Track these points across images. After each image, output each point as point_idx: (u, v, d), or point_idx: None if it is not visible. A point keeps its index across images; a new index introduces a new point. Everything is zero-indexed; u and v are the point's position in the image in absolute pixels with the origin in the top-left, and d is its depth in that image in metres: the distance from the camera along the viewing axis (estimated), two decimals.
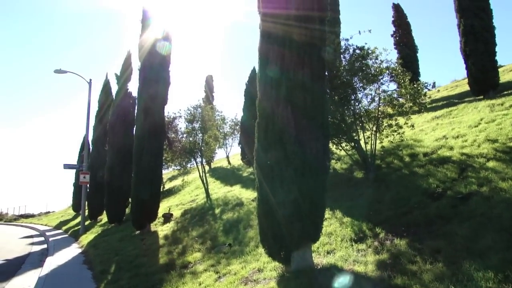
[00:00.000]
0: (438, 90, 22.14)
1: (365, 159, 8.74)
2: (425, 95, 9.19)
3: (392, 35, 22.96)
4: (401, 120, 9.07)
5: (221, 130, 21.73)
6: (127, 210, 16.98)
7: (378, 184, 7.77)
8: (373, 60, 8.54)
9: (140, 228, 12.26)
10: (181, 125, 15.58)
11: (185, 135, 15.11)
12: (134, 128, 13.63)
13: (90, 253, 11.22)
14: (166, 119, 14.23)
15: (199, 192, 16.47)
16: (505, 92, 13.09)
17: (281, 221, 5.05)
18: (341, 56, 8.79)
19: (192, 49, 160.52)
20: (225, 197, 12.75)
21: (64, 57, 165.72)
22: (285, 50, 5.25)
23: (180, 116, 15.29)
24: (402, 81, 8.69)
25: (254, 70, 19.81)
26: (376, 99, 8.80)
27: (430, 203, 5.98)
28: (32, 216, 43.33)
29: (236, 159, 23.99)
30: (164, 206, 15.43)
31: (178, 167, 17.11)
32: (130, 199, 14.98)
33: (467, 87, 15.93)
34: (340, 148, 9.35)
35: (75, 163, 26.17)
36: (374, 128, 8.79)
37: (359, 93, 8.79)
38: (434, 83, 25.29)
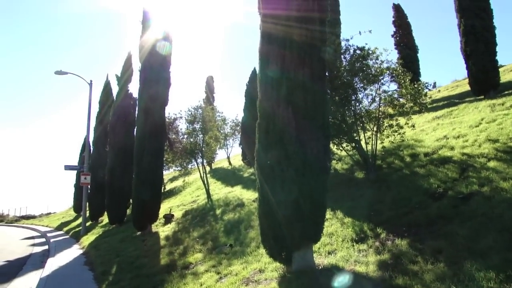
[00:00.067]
0: (439, 90, 22.13)
1: (366, 159, 8.73)
2: (425, 95, 9.19)
3: (392, 36, 22.96)
4: (401, 120, 9.07)
5: (221, 131, 21.79)
6: (128, 211, 17.03)
7: (379, 185, 7.77)
8: (374, 61, 8.55)
9: (141, 229, 12.26)
10: (182, 126, 15.62)
11: (185, 136, 15.11)
12: (135, 129, 13.65)
13: (91, 254, 11.23)
14: (167, 120, 14.24)
15: (200, 193, 16.48)
16: (506, 92, 13.08)
17: (282, 222, 5.05)
18: (342, 56, 8.80)
19: (193, 50, 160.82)
20: (226, 197, 12.75)
21: (65, 59, 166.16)
22: (286, 51, 5.25)
23: (181, 117, 15.33)
24: (403, 81, 8.69)
25: (254, 70, 19.82)
26: (377, 99, 8.80)
27: (431, 203, 5.98)
28: (33, 217, 43.46)
29: (237, 160, 24.02)
30: (165, 207, 15.43)
31: (179, 168, 17.07)
32: (131, 200, 15.03)
33: (467, 87, 15.93)
34: (341, 148, 9.35)
35: (76, 164, 26.22)
36: (375, 129, 8.79)
37: (360, 94, 8.80)
38: (434, 83, 25.31)
